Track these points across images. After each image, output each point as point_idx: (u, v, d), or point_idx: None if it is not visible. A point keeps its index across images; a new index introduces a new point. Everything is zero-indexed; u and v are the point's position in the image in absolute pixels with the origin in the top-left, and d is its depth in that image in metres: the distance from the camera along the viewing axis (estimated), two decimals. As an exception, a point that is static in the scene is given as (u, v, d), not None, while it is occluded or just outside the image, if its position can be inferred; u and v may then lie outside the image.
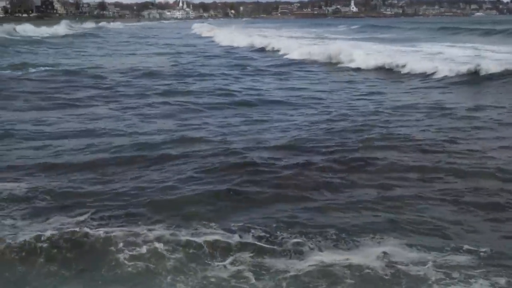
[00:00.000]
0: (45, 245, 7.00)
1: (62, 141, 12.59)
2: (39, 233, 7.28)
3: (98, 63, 32.65)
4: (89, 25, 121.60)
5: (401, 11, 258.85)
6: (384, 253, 6.68)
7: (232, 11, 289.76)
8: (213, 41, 58.82)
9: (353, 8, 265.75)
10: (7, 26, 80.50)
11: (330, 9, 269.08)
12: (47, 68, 28.79)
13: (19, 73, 26.42)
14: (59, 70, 27.80)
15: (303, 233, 7.42)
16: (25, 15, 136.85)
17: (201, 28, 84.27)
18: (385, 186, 9.36)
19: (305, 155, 11.13)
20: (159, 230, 7.39)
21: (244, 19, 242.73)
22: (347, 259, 6.59)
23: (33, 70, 27.87)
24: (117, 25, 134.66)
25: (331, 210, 8.39)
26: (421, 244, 6.99)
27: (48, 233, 7.26)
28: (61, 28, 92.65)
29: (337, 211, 8.34)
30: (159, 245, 6.89)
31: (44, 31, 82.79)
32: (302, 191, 9.21)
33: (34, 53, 42.25)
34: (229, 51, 43.74)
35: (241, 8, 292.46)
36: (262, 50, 43.67)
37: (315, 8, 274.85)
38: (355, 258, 6.63)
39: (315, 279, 6.21)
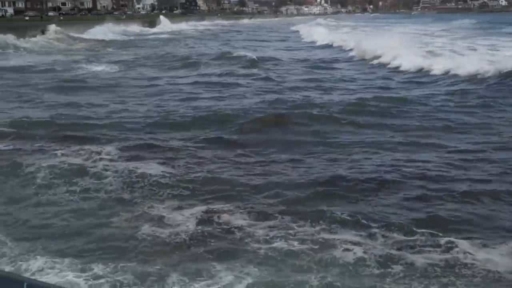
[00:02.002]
0: (190, 231, 7.59)
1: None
2: (184, 220, 7.90)
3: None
4: (227, 21, 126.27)
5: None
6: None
7: (371, 6, 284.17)
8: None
9: (502, 1, 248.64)
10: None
11: (476, 3, 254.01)
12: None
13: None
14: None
15: (445, 229, 7.28)
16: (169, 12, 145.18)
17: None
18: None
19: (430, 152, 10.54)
20: (297, 225, 7.65)
21: (372, 14, 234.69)
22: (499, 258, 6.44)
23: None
24: (251, 22, 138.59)
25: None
26: None
27: (192, 221, 7.86)
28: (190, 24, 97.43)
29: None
30: (293, 241, 7.12)
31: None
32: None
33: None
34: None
35: (380, 3, 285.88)
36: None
37: (459, 2, 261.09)
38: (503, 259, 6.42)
39: (446, 273, 6.12)
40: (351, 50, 36.42)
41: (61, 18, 79.92)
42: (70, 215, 8.30)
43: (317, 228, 7.43)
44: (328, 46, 44.23)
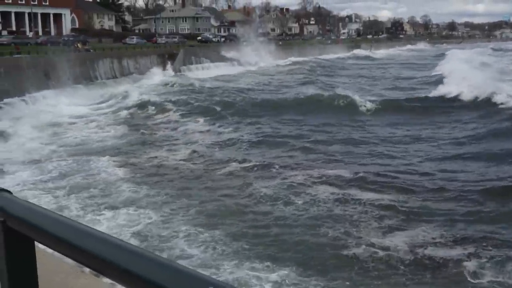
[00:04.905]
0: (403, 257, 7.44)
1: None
2: (395, 245, 7.78)
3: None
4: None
5: None
6: None
7: None
8: None
9: None
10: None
11: None
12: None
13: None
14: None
15: None
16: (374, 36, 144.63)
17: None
18: None
19: None
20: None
21: None
22: None
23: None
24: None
25: None
26: None
27: (403, 247, 7.64)
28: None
29: None
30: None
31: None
32: None
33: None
34: None
35: None
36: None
37: None
38: None
39: None
40: None
41: (280, 43, 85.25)
42: (283, 227, 8.89)
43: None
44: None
